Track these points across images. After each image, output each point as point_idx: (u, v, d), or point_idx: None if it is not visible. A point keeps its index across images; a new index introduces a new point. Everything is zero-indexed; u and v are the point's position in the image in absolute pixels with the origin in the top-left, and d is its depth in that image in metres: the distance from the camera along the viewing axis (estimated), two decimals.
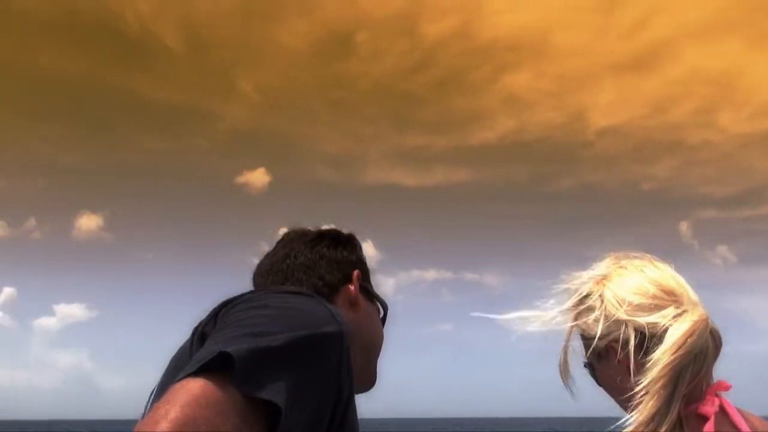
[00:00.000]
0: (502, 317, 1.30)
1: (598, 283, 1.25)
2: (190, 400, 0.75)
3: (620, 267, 1.26)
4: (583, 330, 1.24)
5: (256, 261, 1.36)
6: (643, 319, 1.16)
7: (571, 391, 1.28)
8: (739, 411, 1.14)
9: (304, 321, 0.92)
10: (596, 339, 1.20)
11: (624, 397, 1.16)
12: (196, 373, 0.78)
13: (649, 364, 1.11)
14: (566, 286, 1.28)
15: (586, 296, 1.25)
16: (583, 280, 1.27)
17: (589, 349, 1.23)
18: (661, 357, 1.10)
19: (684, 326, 1.12)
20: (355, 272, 1.29)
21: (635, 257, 1.27)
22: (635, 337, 1.16)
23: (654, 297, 1.18)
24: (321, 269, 1.26)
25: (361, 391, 1.27)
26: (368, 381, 1.29)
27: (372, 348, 1.29)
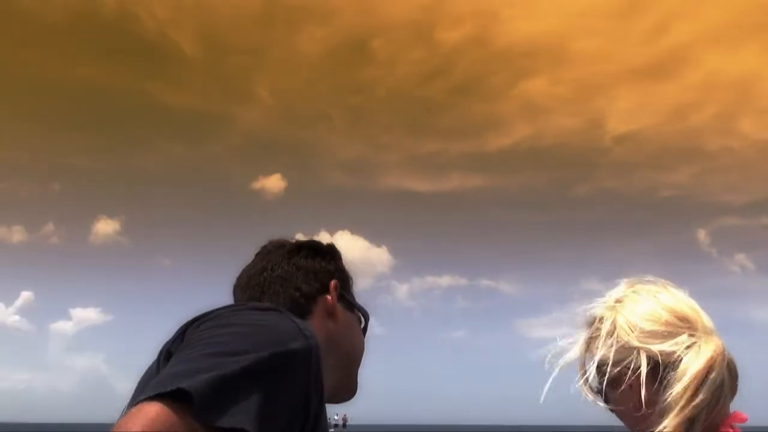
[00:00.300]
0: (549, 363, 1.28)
1: (611, 309, 1.24)
2: (146, 423, 0.75)
3: (634, 292, 1.25)
4: (595, 356, 1.22)
5: None
6: (656, 347, 1.15)
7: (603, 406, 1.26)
8: None
9: (269, 338, 0.92)
10: (608, 365, 1.19)
11: (637, 426, 1.16)
12: (153, 398, 0.78)
13: (668, 400, 1.09)
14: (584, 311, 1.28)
15: (600, 321, 1.24)
16: (597, 305, 1.27)
17: (601, 374, 1.22)
18: (679, 392, 1.08)
19: (701, 359, 1.11)
20: (333, 282, 1.27)
21: (649, 282, 1.26)
22: (647, 364, 1.14)
23: (667, 324, 1.17)
24: (298, 280, 1.25)
25: (342, 401, 1.28)
26: (349, 391, 1.29)
27: (351, 358, 1.28)
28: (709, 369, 1.10)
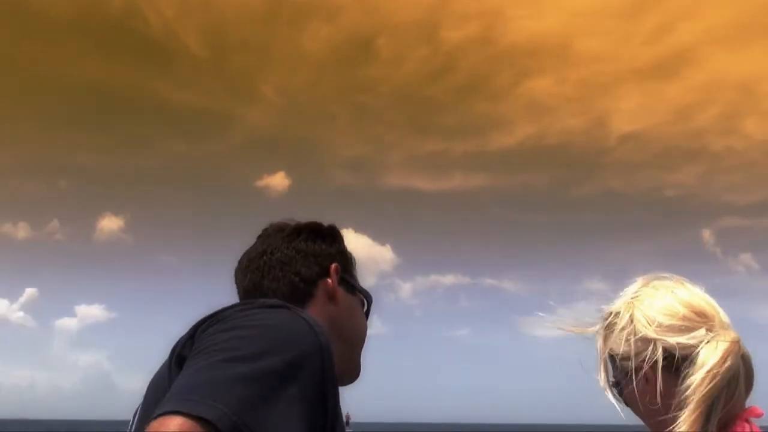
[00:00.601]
0: (562, 327, 1.30)
1: (628, 304, 1.24)
2: None
3: (651, 288, 1.25)
4: (613, 350, 1.23)
5: None
6: (673, 340, 1.15)
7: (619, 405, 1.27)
8: None
9: (280, 340, 0.91)
10: (625, 359, 1.20)
11: (652, 419, 1.17)
12: (173, 413, 0.78)
13: (683, 389, 1.10)
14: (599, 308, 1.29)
15: (616, 316, 1.25)
16: (615, 301, 1.27)
17: (617, 368, 1.23)
18: (697, 386, 1.09)
19: (718, 352, 1.11)
20: (333, 265, 1.25)
21: (665, 278, 1.26)
22: (664, 357, 1.15)
23: (684, 318, 1.17)
24: (297, 264, 1.23)
25: (345, 384, 1.25)
26: (352, 374, 1.28)
27: (354, 341, 1.27)
28: (726, 362, 1.10)
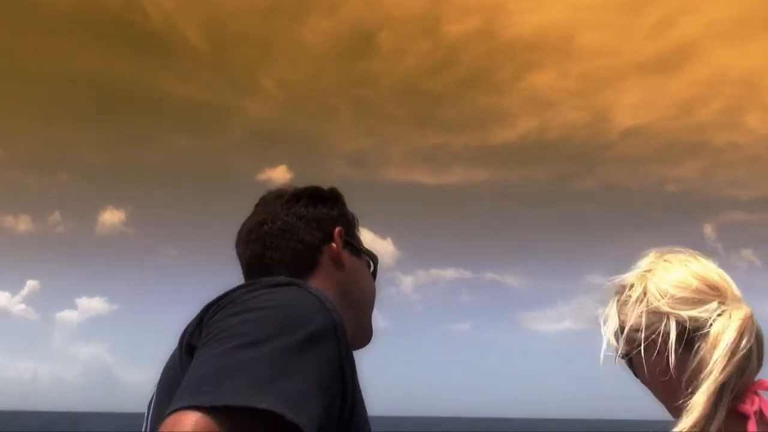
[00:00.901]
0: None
1: (641, 277, 1.25)
2: None
3: (664, 261, 1.26)
4: (624, 321, 1.24)
5: None
6: (686, 313, 1.16)
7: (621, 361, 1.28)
8: None
9: (291, 320, 0.88)
10: (637, 331, 1.20)
11: (663, 391, 1.19)
12: (189, 408, 0.75)
13: (697, 363, 1.11)
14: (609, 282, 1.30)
15: (629, 288, 1.25)
16: (628, 274, 1.28)
17: (629, 340, 1.23)
18: (713, 362, 1.09)
19: (733, 328, 1.11)
20: (337, 229, 1.21)
21: (679, 252, 1.27)
22: (676, 330, 1.16)
23: (697, 291, 1.18)
24: (299, 231, 1.19)
25: (358, 347, 1.23)
26: (364, 337, 1.25)
27: (363, 305, 1.24)
28: (740, 336, 1.11)
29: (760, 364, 1.16)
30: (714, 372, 1.09)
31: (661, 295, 1.19)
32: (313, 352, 0.86)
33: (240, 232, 1.24)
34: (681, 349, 1.15)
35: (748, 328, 1.13)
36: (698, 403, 1.08)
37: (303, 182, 1.30)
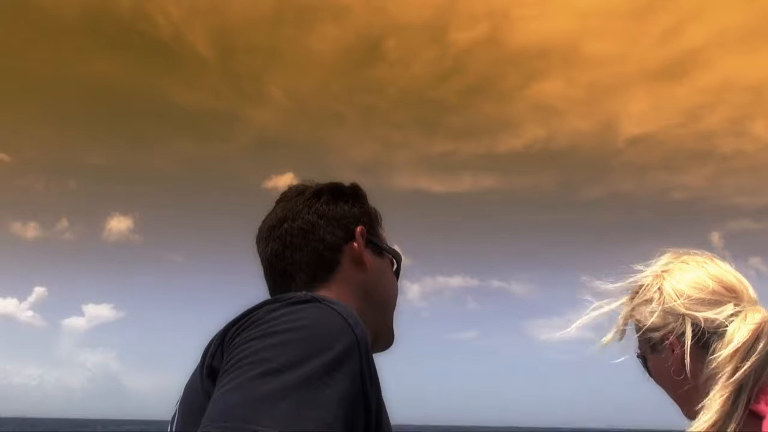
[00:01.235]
0: (575, 325, 1.30)
1: (657, 276, 1.25)
2: None
3: (681, 262, 1.26)
4: (639, 321, 1.24)
5: None
6: (701, 314, 1.16)
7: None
8: None
9: (315, 343, 0.85)
10: (652, 330, 1.20)
11: (677, 392, 1.18)
12: None
13: (711, 364, 1.11)
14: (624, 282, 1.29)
15: (645, 288, 1.25)
16: (643, 273, 1.28)
17: (643, 340, 1.23)
18: (726, 364, 1.10)
19: (748, 329, 1.12)
20: (358, 228, 1.17)
21: (696, 253, 1.27)
22: (692, 330, 1.16)
23: (713, 292, 1.18)
24: (320, 230, 1.15)
25: (381, 350, 1.21)
26: (387, 339, 1.21)
27: (386, 306, 1.20)
28: (756, 338, 1.11)
29: None
30: (730, 373, 1.09)
31: (677, 296, 1.19)
32: (338, 378, 0.83)
33: (261, 230, 1.22)
34: (696, 350, 1.15)
35: (765, 330, 1.13)
36: (714, 403, 1.08)
37: (302, 181, 1.28)
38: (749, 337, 1.11)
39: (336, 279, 1.15)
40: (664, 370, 1.20)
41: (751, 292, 1.20)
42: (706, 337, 1.15)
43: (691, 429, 1.10)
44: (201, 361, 0.94)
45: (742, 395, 1.08)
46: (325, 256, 1.15)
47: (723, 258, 1.25)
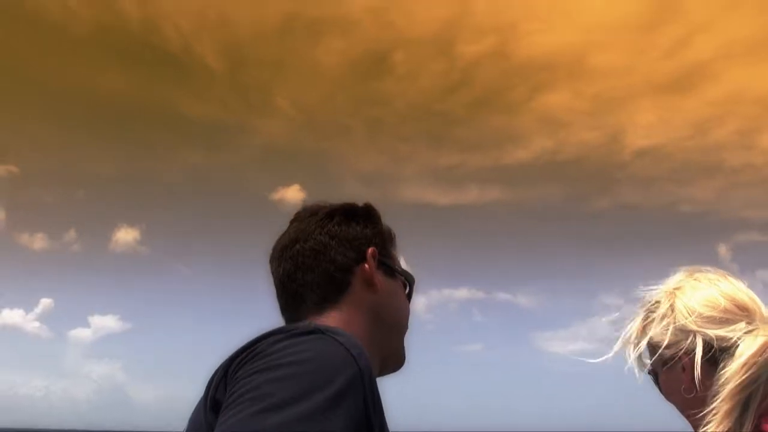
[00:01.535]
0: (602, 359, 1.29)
1: (669, 294, 1.25)
2: None
3: (694, 279, 1.26)
4: (651, 338, 1.24)
5: None
6: (713, 332, 1.16)
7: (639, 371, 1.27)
8: None
9: (318, 377, 0.85)
10: (663, 347, 1.20)
11: (688, 409, 1.18)
12: None
13: (721, 381, 1.11)
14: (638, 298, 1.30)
15: (657, 304, 1.25)
16: (656, 291, 1.29)
17: (655, 357, 1.23)
18: (733, 375, 1.10)
19: (757, 343, 1.12)
20: (370, 249, 1.17)
21: (709, 271, 1.27)
22: (703, 348, 1.16)
23: (725, 311, 1.18)
24: (332, 251, 1.15)
25: (391, 372, 1.20)
26: (397, 361, 1.21)
27: (396, 327, 1.20)
28: (763, 351, 1.11)
29: None
30: (730, 387, 1.09)
31: (689, 313, 1.20)
32: (339, 413, 0.83)
33: (274, 249, 1.22)
34: (707, 367, 1.15)
35: None
36: (721, 419, 1.07)
37: (317, 201, 1.27)
38: (757, 350, 1.11)
39: (346, 300, 1.14)
40: (675, 387, 1.20)
41: (764, 311, 1.19)
42: (717, 355, 1.15)
43: None
44: (204, 393, 0.94)
45: (750, 411, 1.07)
46: (336, 277, 1.14)
47: (731, 270, 1.25)
